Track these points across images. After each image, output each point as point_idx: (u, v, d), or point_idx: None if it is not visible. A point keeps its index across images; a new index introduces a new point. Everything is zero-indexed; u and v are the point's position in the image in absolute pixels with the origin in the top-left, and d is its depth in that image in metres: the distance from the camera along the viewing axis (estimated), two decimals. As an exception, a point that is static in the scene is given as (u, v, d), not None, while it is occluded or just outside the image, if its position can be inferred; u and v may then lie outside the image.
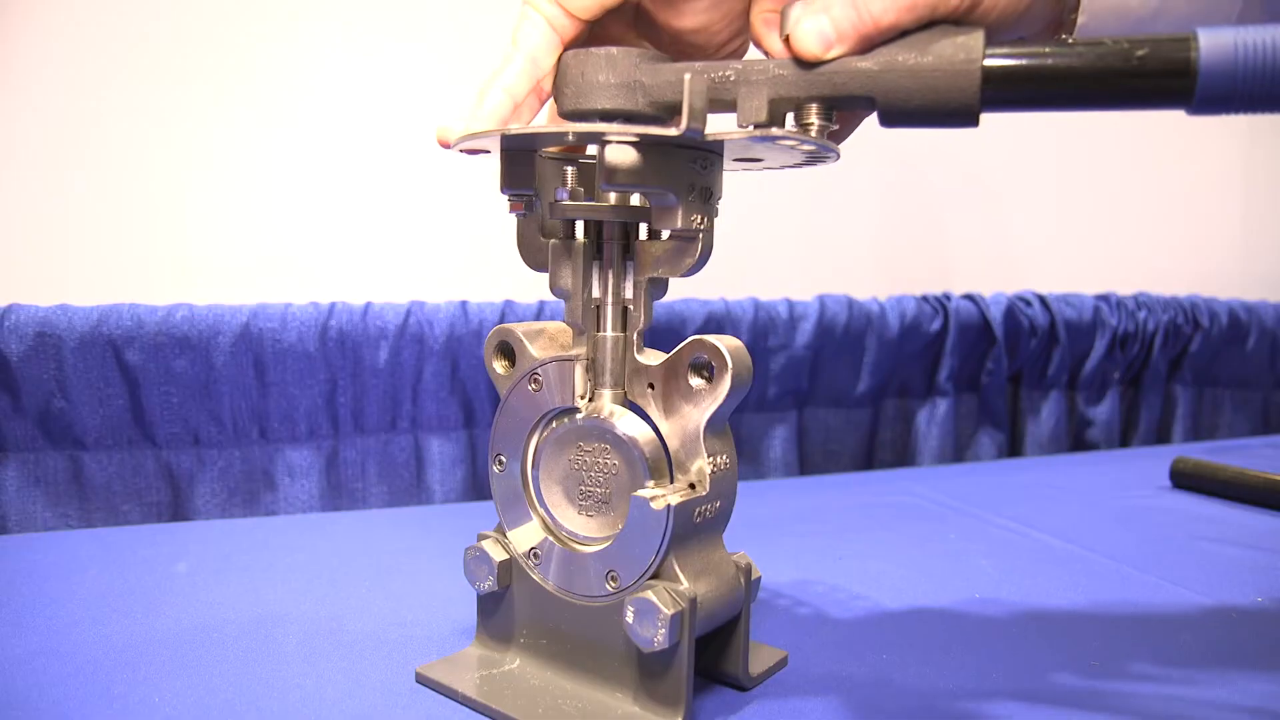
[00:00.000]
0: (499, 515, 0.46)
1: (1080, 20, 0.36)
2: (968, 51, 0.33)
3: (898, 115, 0.35)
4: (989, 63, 0.33)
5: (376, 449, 0.82)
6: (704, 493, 0.40)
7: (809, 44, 0.35)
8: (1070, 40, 0.34)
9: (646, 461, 0.41)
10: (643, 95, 0.38)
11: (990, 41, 0.34)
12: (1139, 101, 0.33)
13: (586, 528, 0.43)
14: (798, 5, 0.36)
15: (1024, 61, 0.33)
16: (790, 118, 0.38)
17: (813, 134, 0.37)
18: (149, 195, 0.79)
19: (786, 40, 0.36)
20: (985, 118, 0.35)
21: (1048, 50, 0.33)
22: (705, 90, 0.35)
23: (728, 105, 0.38)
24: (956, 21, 0.35)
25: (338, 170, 0.84)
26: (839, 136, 0.42)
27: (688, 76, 0.34)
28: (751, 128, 0.37)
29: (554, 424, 0.44)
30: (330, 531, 0.70)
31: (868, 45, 0.35)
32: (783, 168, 0.45)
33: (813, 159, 0.40)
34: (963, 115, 0.34)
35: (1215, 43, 0.31)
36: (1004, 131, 0.56)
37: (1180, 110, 0.33)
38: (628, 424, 0.41)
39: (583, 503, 0.43)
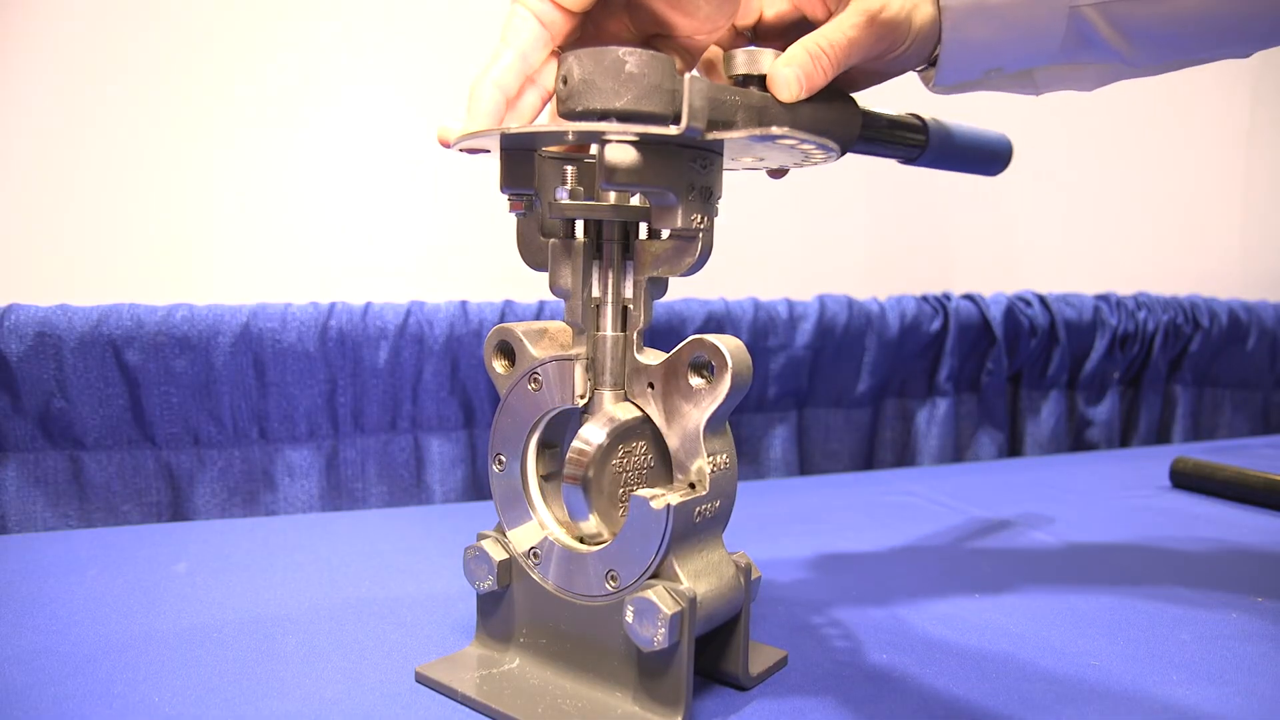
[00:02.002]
0: (499, 515, 0.46)
1: (941, 57, 0.42)
2: (856, 114, 0.46)
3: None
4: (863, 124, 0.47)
5: (376, 449, 0.82)
6: (704, 492, 0.40)
7: (790, 89, 0.40)
8: (877, 113, 0.48)
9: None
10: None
11: (881, 80, 0.45)
12: (900, 155, 0.51)
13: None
14: (741, 53, 0.41)
15: (874, 125, 0.48)
16: None
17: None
18: (149, 195, 0.79)
19: (761, 80, 0.41)
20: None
21: (878, 119, 0.48)
22: (706, 90, 0.35)
23: (728, 125, 0.39)
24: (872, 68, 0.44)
25: (338, 170, 0.84)
26: (780, 173, 0.49)
27: (688, 77, 0.34)
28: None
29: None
30: (330, 531, 0.70)
31: (815, 91, 0.41)
32: (781, 166, 0.45)
33: (810, 158, 0.40)
34: (840, 153, 0.43)
35: (938, 128, 0.51)
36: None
37: (903, 160, 0.52)
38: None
39: (624, 503, 0.43)
